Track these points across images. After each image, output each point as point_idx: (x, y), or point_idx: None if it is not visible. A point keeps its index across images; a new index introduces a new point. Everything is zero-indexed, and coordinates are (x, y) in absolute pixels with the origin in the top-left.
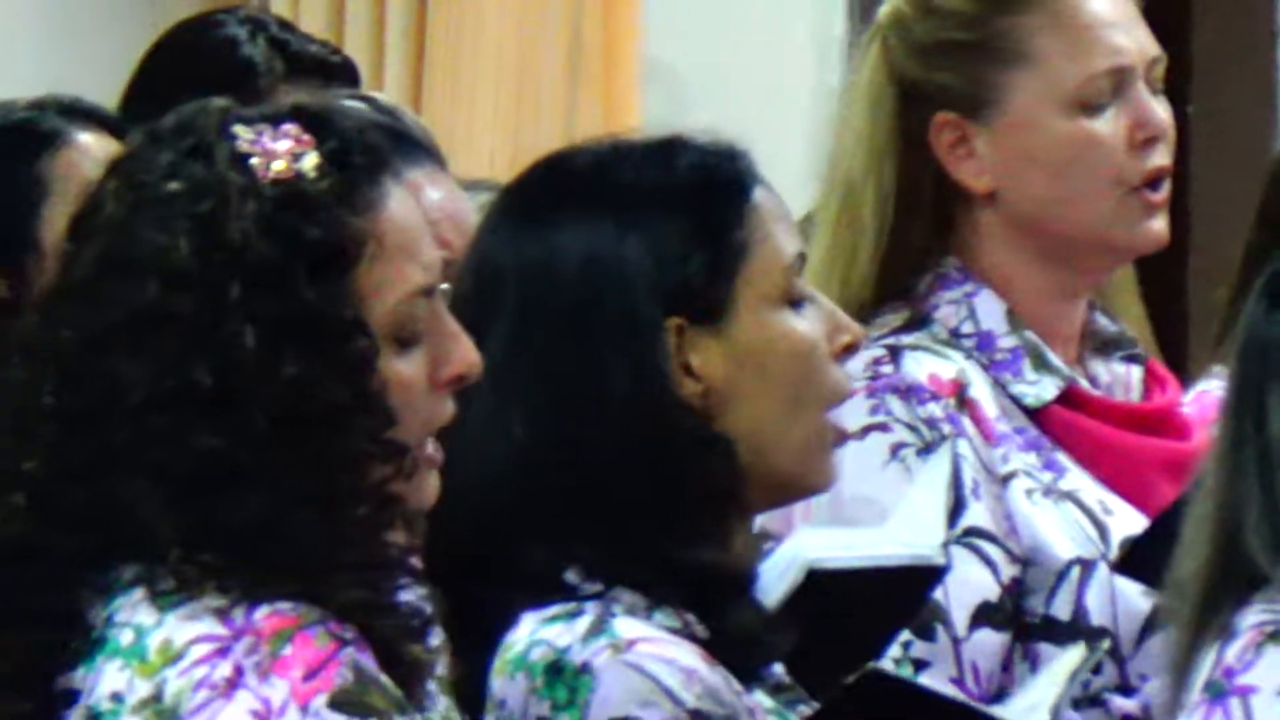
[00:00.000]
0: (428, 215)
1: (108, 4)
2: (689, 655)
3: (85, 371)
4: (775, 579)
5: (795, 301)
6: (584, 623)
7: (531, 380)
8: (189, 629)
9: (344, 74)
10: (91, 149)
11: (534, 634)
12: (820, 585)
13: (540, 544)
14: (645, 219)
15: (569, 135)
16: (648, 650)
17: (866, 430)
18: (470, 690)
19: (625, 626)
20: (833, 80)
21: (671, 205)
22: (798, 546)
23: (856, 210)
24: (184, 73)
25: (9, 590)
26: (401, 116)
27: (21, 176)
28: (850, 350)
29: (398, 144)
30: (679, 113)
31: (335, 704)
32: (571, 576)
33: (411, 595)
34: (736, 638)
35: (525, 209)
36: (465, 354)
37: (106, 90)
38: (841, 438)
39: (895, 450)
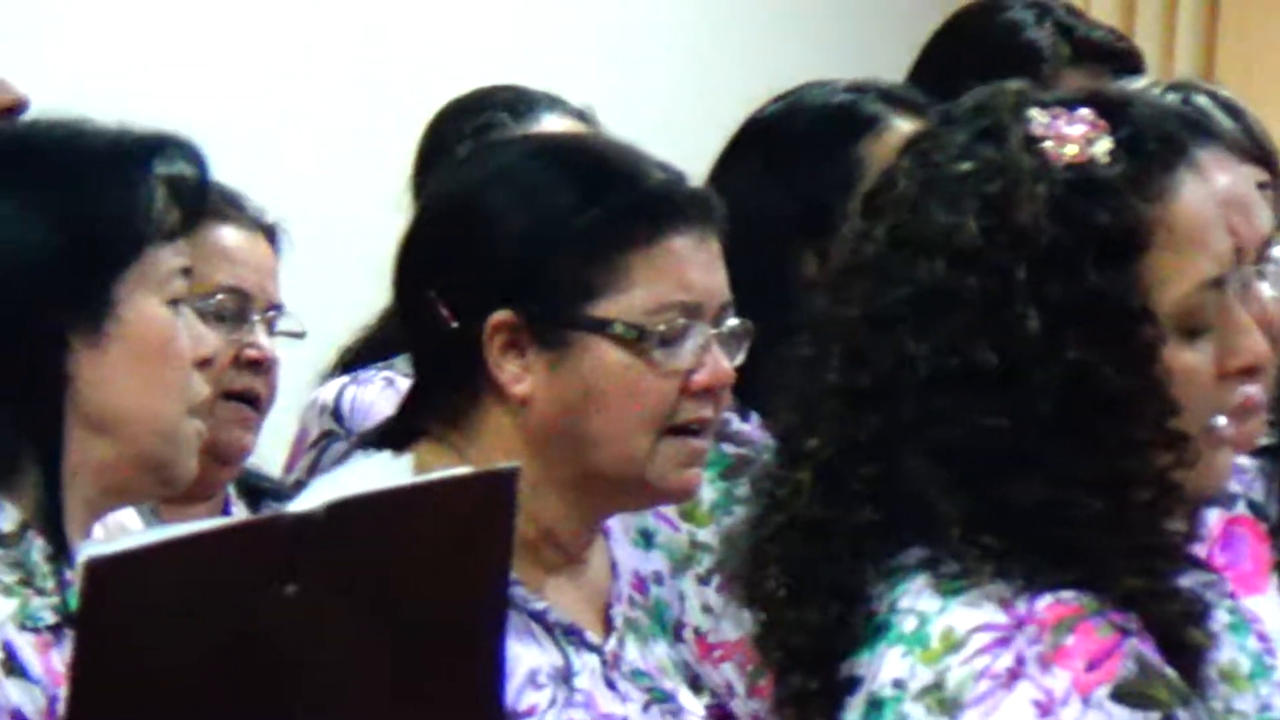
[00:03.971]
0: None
1: None
2: None
3: (871, 349)
4: None
5: None
6: None
7: None
8: (971, 616)
9: (1129, 62)
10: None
11: None
12: None
13: None
14: None
15: None
16: None
17: None
18: None
19: None
20: None
21: None
22: None
23: None
24: (967, 56)
25: (802, 566)
26: (1242, 113)
27: (840, 156)
28: None
29: (1195, 128)
30: None
31: (1118, 695)
32: None
33: (1190, 581)
34: None
35: None
36: (1255, 345)
37: (895, 73)
38: None
39: None
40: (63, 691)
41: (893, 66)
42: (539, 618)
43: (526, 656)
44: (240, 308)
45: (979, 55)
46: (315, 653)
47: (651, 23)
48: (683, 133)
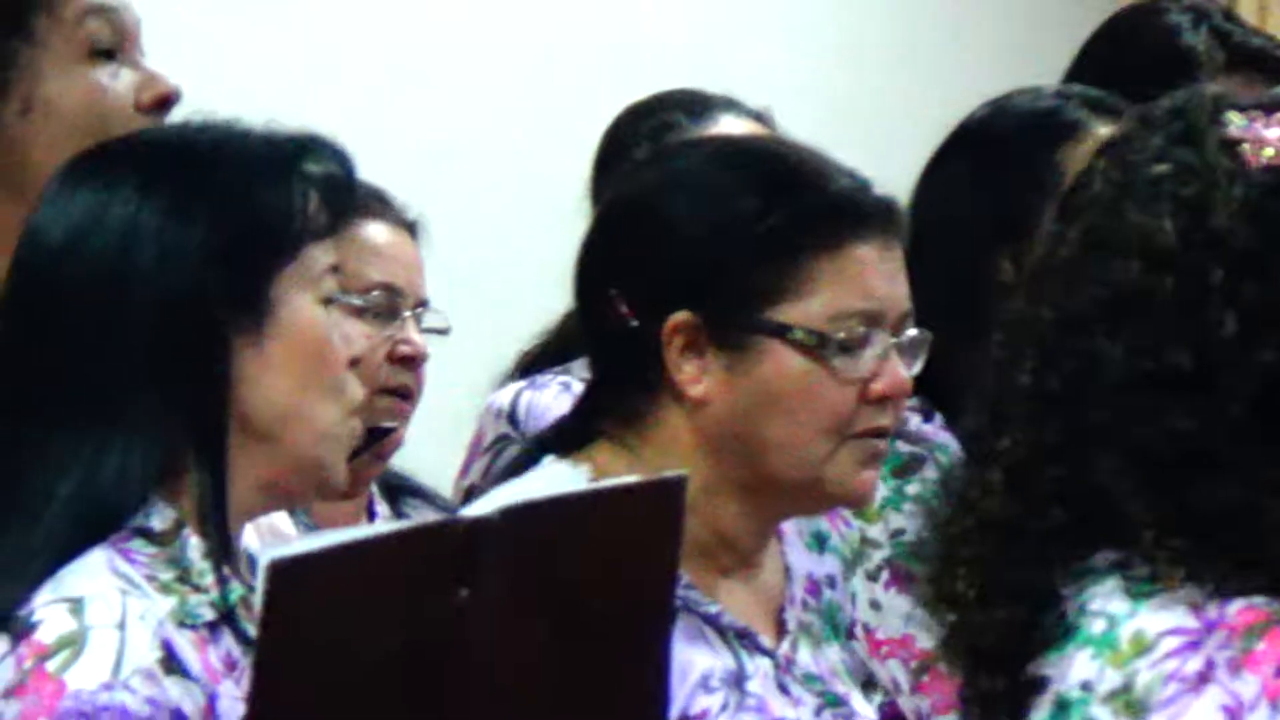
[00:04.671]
0: None
1: None
2: None
3: (1064, 350)
4: None
5: None
6: None
7: None
8: (1161, 620)
9: None
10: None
11: None
12: None
13: None
14: None
15: None
16: None
17: None
18: None
19: None
20: None
21: None
22: None
23: None
24: (1123, 59)
25: (991, 567)
26: None
27: (1040, 162)
28: None
29: None
30: None
31: None
32: None
33: None
34: None
35: None
36: None
37: (1052, 76)
38: None
39: None
40: (221, 688)
41: (1050, 69)
42: (712, 621)
43: (699, 660)
44: (392, 304)
45: (1135, 59)
46: (487, 655)
47: (830, 26)
48: (867, 137)
